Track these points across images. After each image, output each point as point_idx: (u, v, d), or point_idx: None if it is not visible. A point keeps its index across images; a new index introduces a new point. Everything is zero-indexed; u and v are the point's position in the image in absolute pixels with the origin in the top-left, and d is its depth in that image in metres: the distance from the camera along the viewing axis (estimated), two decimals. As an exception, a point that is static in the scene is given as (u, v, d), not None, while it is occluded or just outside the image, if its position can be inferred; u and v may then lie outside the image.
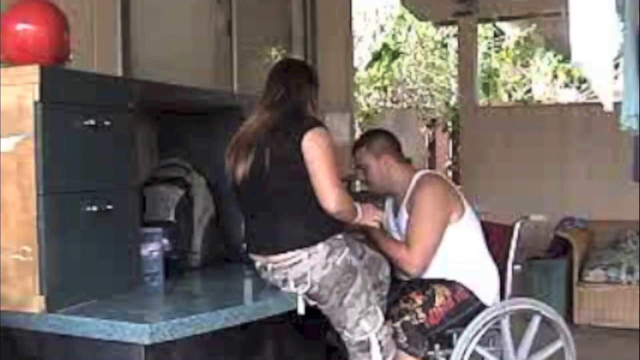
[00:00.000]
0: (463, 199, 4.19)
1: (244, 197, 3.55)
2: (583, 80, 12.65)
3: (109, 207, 3.22)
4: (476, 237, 4.20)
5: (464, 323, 4.00)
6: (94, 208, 3.15)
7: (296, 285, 3.40)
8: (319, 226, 3.40)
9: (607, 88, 4.16)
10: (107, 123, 3.21)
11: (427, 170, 4.34)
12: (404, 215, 4.16)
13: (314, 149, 3.36)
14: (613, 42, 3.79)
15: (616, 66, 5.00)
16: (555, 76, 13.17)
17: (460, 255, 4.11)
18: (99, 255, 3.20)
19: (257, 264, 3.52)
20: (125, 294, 3.32)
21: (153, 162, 4.35)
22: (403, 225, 4.16)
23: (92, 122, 3.14)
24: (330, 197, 3.36)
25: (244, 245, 3.65)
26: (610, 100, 4.13)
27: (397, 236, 4.22)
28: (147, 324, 2.85)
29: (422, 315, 3.91)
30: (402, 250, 4.05)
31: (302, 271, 3.36)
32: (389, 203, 4.38)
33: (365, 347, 3.49)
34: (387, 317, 3.82)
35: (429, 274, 4.11)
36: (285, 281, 3.41)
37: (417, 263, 4.03)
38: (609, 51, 3.80)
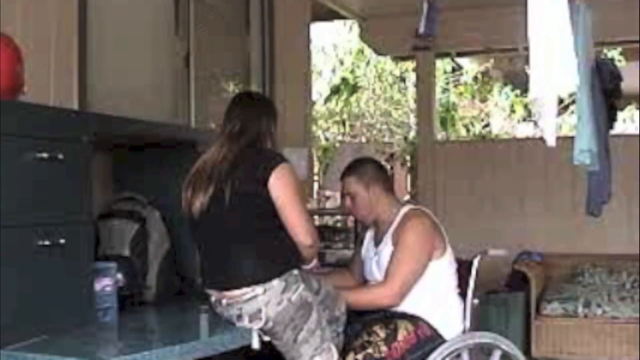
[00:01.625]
0: (445, 237, 4.21)
1: (200, 230, 3.53)
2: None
3: (62, 241, 3.17)
4: (452, 277, 4.22)
5: (424, 359, 3.99)
6: (47, 242, 3.11)
7: (251, 321, 3.37)
8: (274, 262, 3.40)
9: (552, 124, 4.21)
10: (60, 156, 3.18)
11: (415, 205, 4.35)
12: (387, 245, 4.17)
13: (283, 185, 3.41)
14: (569, 79, 3.82)
15: (573, 102, 5.05)
16: (513, 111, 13.27)
17: (432, 293, 4.13)
18: (51, 290, 3.15)
19: (212, 299, 3.49)
20: (78, 330, 3.26)
21: (108, 196, 4.31)
22: (384, 255, 4.17)
23: (45, 155, 3.11)
24: (305, 230, 3.46)
25: (199, 280, 3.62)
26: (554, 135, 4.18)
27: (374, 266, 4.24)
28: (100, 360, 2.81)
29: (384, 348, 3.89)
30: (376, 288, 4.14)
31: (257, 307, 3.34)
32: (370, 233, 4.40)
33: None
34: (350, 349, 3.83)
35: (396, 307, 4.11)
36: (239, 316, 3.39)
37: (395, 293, 4.05)
38: (565, 87, 3.83)
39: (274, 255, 3.42)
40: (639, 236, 8.05)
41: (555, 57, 3.65)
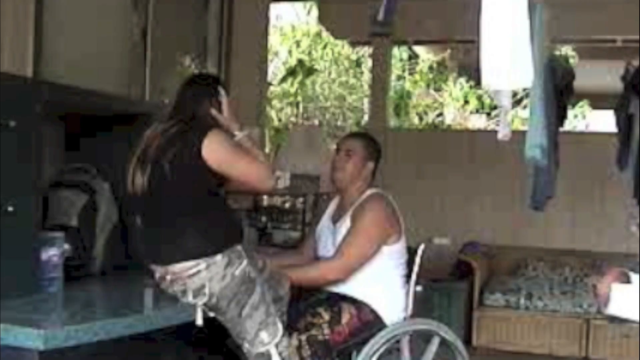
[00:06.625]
0: (402, 225, 4.26)
1: (142, 206, 3.51)
2: (493, 107, 12.85)
3: (10, 208, 3.15)
4: (401, 265, 4.27)
5: (366, 343, 4.03)
6: (-6, 209, 3.09)
7: (195, 297, 3.37)
8: (217, 237, 3.40)
9: (507, 116, 4.26)
10: (12, 124, 3.16)
11: (380, 190, 4.37)
12: (345, 223, 4.23)
13: (217, 149, 3.38)
14: (525, 74, 3.85)
15: (526, 96, 5.11)
16: (466, 102, 13.35)
17: (379, 278, 4.18)
18: (-3, 257, 3.13)
19: (157, 275, 3.47)
20: (22, 298, 3.24)
21: (59, 166, 4.28)
22: (341, 232, 4.22)
23: (-4, 122, 3.08)
24: (260, 180, 3.49)
25: (143, 255, 3.60)
26: (507, 129, 4.22)
27: (330, 242, 4.29)
28: (42, 329, 2.80)
29: (327, 331, 3.94)
30: (324, 263, 4.23)
31: (201, 282, 3.34)
32: (329, 210, 4.46)
33: (266, 359, 3.48)
34: (294, 329, 3.87)
35: (341, 289, 4.17)
36: (184, 292, 3.38)
37: (342, 269, 4.12)
38: (516, 81, 3.86)
39: (217, 230, 3.42)
40: (581, 233, 8.21)
41: (510, 52, 3.69)
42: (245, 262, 3.45)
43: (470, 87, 13.10)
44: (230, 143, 3.46)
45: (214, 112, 3.55)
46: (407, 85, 13.29)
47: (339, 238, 4.20)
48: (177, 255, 3.37)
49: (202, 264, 3.34)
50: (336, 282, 4.16)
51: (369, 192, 4.30)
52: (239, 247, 3.46)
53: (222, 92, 3.64)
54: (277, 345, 3.50)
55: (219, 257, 3.36)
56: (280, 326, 3.55)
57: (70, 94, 3.89)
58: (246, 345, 3.50)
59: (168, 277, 3.41)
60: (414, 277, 4.24)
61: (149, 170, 3.40)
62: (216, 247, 3.38)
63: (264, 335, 3.48)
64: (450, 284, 7.57)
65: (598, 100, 11.92)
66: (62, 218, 3.91)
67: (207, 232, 3.41)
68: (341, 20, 9.34)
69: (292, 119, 13.07)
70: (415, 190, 8.55)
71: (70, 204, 3.94)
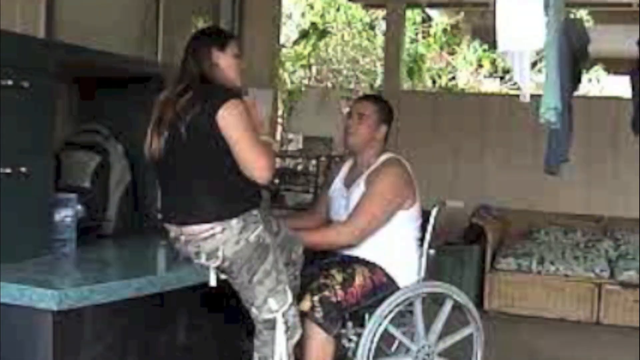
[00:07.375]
0: (417, 189, 4.26)
1: (160, 168, 3.49)
2: (507, 71, 12.78)
3: (23, 169, 3.16)
4: (416, 229, 4.29)
5: (379, 305, 4.04)
6: (7, 170, 3.09)
7: (208, 259, 3.38)
8: (234, 201, 3.39)
9: (527, 79, 4.22)
10: (25, 85, 3.15)
11: (395, 155, 4.37)
12: (359, 187, 4.22)
13: (230, 123, 3.32)
14: (537, 35, 3.83)
15: (540, 59, 5.06)
16: (480, 65, 13.27)
17: (394, 241, 4.20)
18: (9, 218, 3.13)
19: (172, 235, 3.48)
20: (36, 259, 3.26)
21: (72, 127, 4.28)
22: (355, 196, 4.22)
23: (9, 82, 3.08)
24: (258, 168, 3.36)
25: (160, 215, 3.61)
26: (528, 92, 4.19)
27: (343, 206, 4.29)
28: (56, 289, 2.81)
29: (340, 292, 3.94)
30: (337, 226, 4.24)
31: (215, 245, 3.34)
32: (342, 173, 4.46)
33: (271, 325, 3.47)
34: (307, 290, 3.89)
35: (355, 252, 4.19)
36: (197, 254, 3.39)
37: (354, 233, 4.13)
38: (532, 43, 3.84)
39: (234, 194, 3.41)
40: (594, 197, 8.19)
41: (524, 13, 3.67)
42: (260, 227, 3.44)
43: (484, 50, 13.02)
44: (245, 120, 3.37)
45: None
46: (420, 48, 13.21)
47: (352, 202, 4.20)
48: (193, 218, 3.38)
49: (217, 227, 3.34)
50: (349, 245, 4.17)
51: (384, 156, 4.29)
52: (255, 212, 3.44)
53: (221, 47, 3.55)
54: (284, 314, 3.50)
55: (234, 221, 3.35)
56: (289, 294, 3.54)
57: (83, 55, 3.87)
58: (254, 311, 3.50)
59: (182, 238, 3.42)
60: (427, 240, 4.24)
61: (166, 133, 3.39)
62: (232, 211, 3.37)
63: (272, 303, 3.48)
64: (462, 247, 7.58)
65: (613, 65, 11.85)
66: (75, 179, 3.91)
67: (224, 195, 3.40)
68: (354, -18, 9.30)
69: (305, 81, 13.02)
70: (428, 153, 8.55)
71: (83, 166, 3.94)
